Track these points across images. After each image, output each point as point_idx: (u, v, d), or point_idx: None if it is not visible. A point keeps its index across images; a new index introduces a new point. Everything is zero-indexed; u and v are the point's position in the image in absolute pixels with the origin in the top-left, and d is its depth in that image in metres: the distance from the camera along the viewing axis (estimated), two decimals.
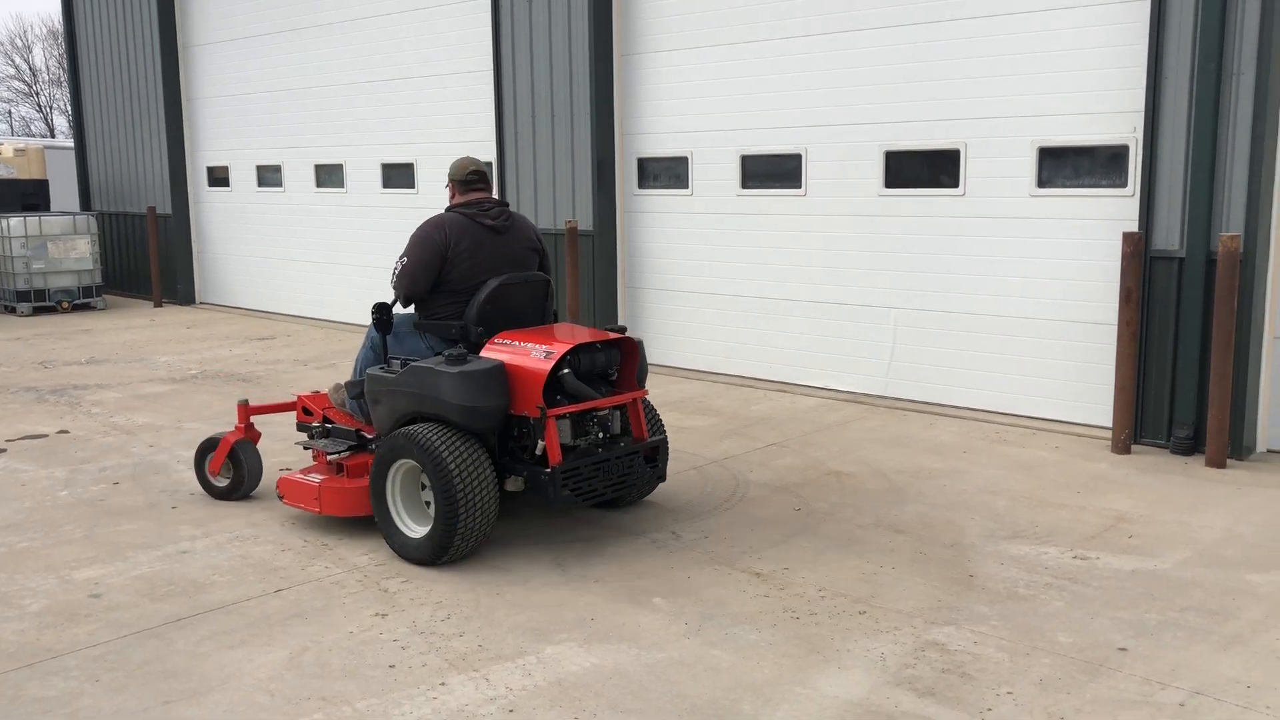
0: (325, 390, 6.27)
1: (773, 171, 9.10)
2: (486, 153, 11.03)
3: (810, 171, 8.81)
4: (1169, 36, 6.70)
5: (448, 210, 5.65)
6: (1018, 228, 7.73)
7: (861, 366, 8.72)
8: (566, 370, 5.18)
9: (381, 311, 5.47)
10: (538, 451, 5.11)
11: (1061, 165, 7.51)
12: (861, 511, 5.87)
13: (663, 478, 5.64)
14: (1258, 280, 6.59)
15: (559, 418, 5.12)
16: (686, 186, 9.70)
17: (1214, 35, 6.47)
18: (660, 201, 9.95)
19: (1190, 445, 6.82)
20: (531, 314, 5.66)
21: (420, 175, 12.04)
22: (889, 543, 5.39)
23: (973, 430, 7.60)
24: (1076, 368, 7.54)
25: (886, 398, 8.57)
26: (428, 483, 5.08)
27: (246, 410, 6.23)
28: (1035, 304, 7.71)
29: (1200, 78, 6.54)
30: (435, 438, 4.96)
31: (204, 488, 6.27)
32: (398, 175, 12.33)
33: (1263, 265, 6.61)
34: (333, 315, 13.41)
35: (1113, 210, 7.23)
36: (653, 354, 10.19)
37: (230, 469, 6.16)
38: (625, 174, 10.12)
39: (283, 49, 13.43)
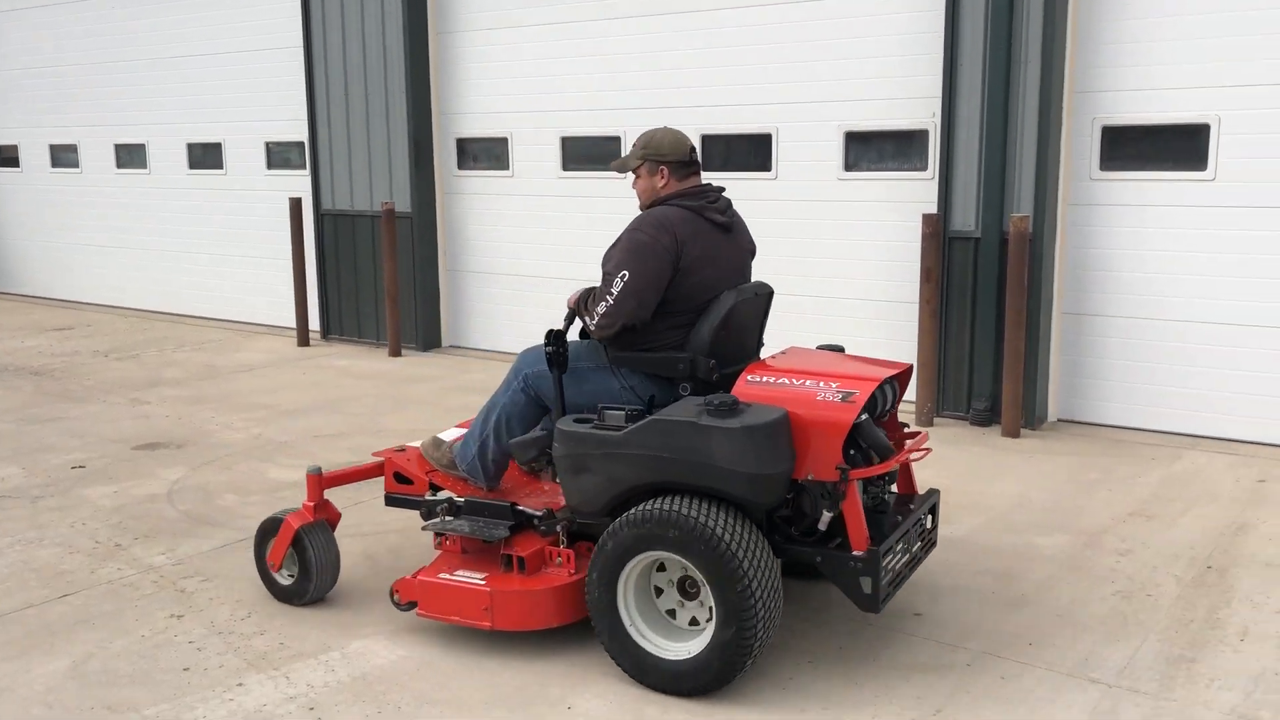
0: (415, 446, 4.64)
1: (594, 154, 9.08)
2: (298, 132, 10.67)
3: (626, 152, 8.83)
4: (963, 25, 6.98)
5: (659, 203, 4.19)
6: (827, 210, 7.95)
7: None
8: (865, 416, 3.84)
9: (558, 342, 4.10)
10: (820, 527, 3.74)
11: (867, 149, 7.76)
12: None
13: (934, 542, 4.35)
14: (1045, 259, 6.95)
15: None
16: (507, 168, 9.60)
17: (1003, 25, 6.78)
18: (481, 183, 9.81)
19: (988, 417, 7.16)
20: (753, 337, 4.39)
21: (229, 155, 11.53)
22: None
23: None
24: (884, 345, 7.81)
25: None
26: (663, 582, 3.81)
27: (319, 483, 4.49)
28: (845, 284, 7.95)
29: (991, 66, 6.84)
30: (714, 520, 3.56)
31: (266, 584, 4.58)
32: (206, 155, 11.78)
33: (1050, 244, 6.98)
34: (137, 303, 12.74)
35: (914, 193, 7.51)
36: (476, 339, 10.07)
37: (295, 562, 4.47)
38: (444, 155, 9.94)
39: (79, 20, 12.63)
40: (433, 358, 9.77)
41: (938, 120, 7.23)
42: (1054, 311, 7.13)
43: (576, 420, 3.93)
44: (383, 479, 4.60)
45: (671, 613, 3.83)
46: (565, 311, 4.34)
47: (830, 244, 7.97)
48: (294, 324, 10.58)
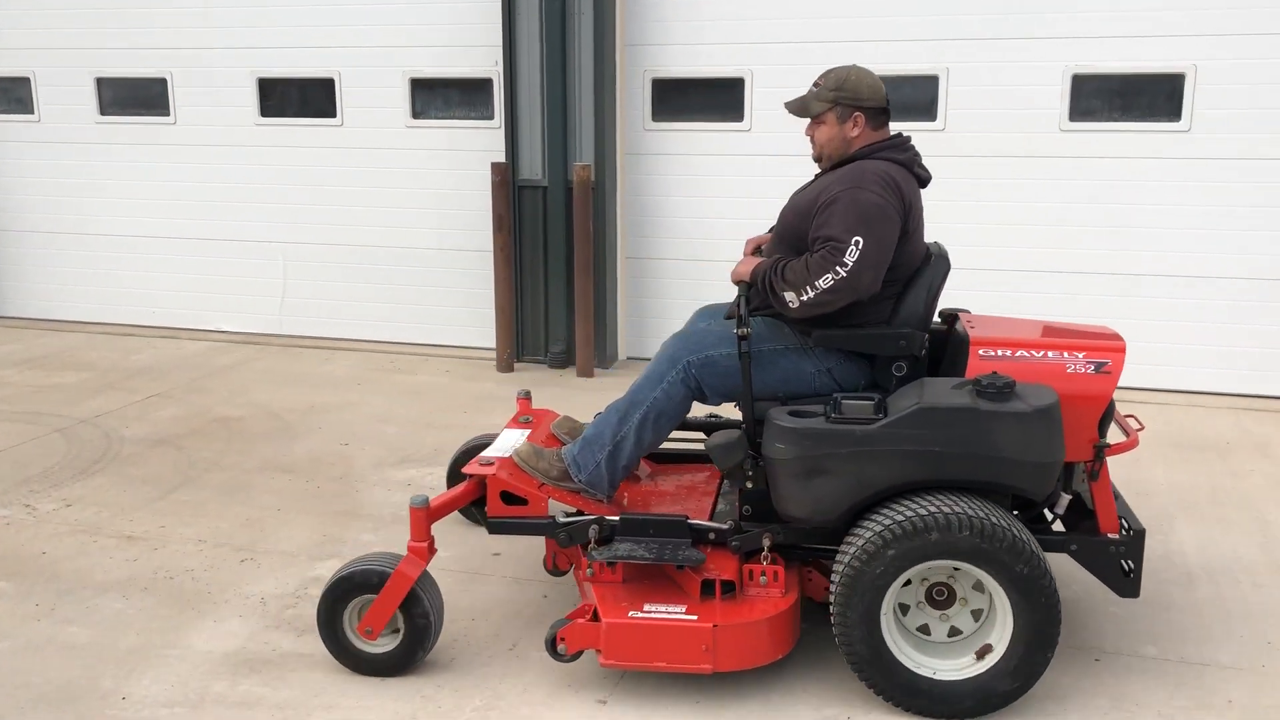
0: (502, 458, 3.79)
1: (137, 98, 8.31)
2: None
3: (177, 99, 8.17)
4: None
5: (860, 156, 3.60)
6: (397, 159, 7.81)
7: (254, 306, 8.36)
8: None
9: (747, 324, 3.48)
10: (1058, 511, 3.53)
11: (434, 97, 7.69)
12: (249, 456, 5.63)
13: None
14: (609, 207, 7.28)
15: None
16: (33, 112, 8.55)
17: None
18: (9, 129, 8.68)
19: (564, 359, 7.43)
20: (935, 306, 3.80)
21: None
22: (276, 484, 5.23)
23: (368, 362, 7.63)
24: (463, 294, 7.85)
25: (282, 336, 8.32)
26: (908, 596, 3.34)
27: (430, 517, 3.56)
28: (419, 234, 7.88)
29: (547, 17, 6.98)
30: (1006, 520, 3.15)
31: (339, 655, 3.52)
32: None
33: (612, 193, 7.31)
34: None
35: (484, 142, 7.56)
36: (18, 306, 8.95)
37: (403, 623, 3.47)
38: None
39: None
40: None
41: (500, 69, 7.30)
42: (619, 257, 7.49)
43: (792, 414, 3.37)
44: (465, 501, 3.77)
45: (923, 628, 3.36)
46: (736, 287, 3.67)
47: (401, 193, 7.85)
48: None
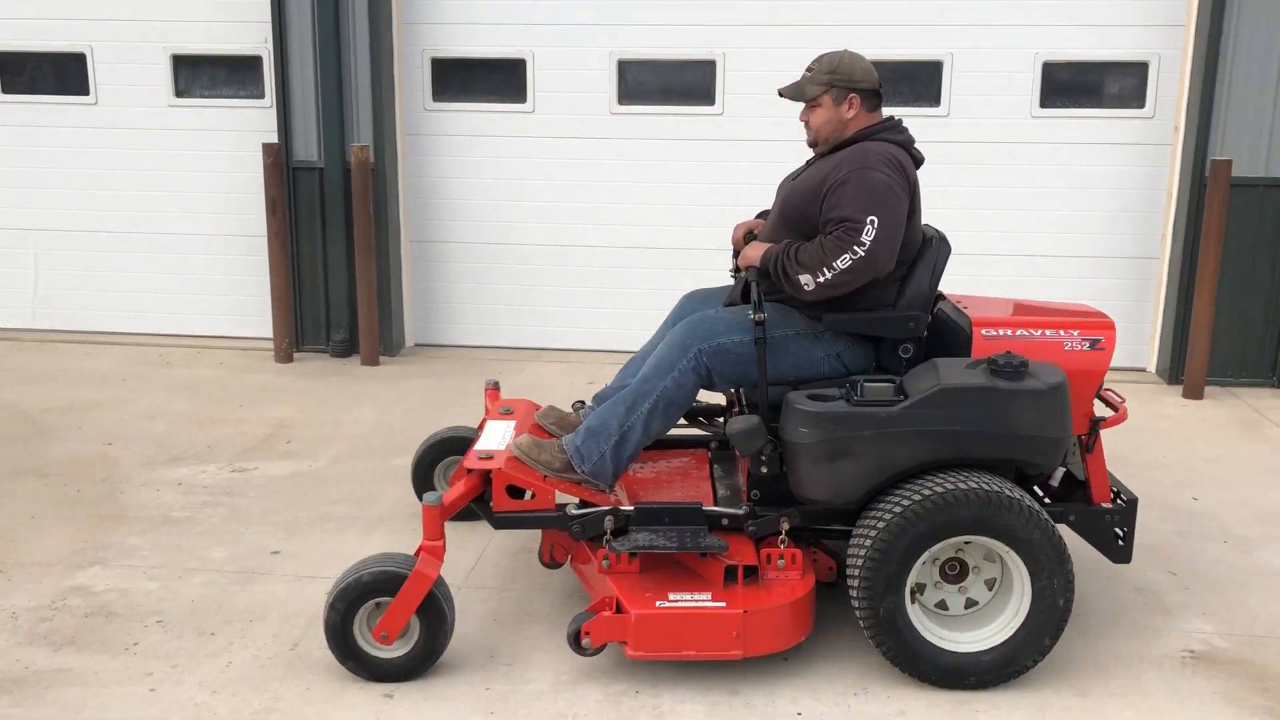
0: (498, 452, 3.66)
1: None
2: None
3: None
4: None
5: (859, 138, 3.63)
6: (160, 139, 7.36)
7: (2, 298, 7.73)
8: None
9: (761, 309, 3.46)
10: (1053, 483, 3.74)
11: (199, 75, 7.28)
12: None
13: None
14: (390, 188, 7.09)
15: None
16: None
17: None
18: None
19: (347, 347, 7.20)
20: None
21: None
22: (29, 490, 4.84)
23: (135, 356, 7.17)
24: (236, 282, 7.49)
25: (35, 330, 7.72)
26: (936, 574, 3.41)
27: (441, 514, 3.37)
28: (187, 219, 7.46)
29: None
30: (1021, 495, 3.26)
31: (350, 662, 3.33)
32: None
33: (393, 174, 7.13)
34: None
35: (255, 122, 7.22)
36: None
37: (420, 628, 3.31)
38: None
39: None
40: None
41: (270, 46, 6.98)
42: (402, 240, 7.31)
43: (812, 398, 3.39)
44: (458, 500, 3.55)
45: (940, 604, 3.42)
46: (737, 273, 3.69)
47: (165, 176, 7.40)
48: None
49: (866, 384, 3.39)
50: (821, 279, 3.45)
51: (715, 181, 7.11)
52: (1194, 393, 6.56)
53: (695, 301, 4.14)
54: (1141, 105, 6.85)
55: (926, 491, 3.25)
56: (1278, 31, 6.39)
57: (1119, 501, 3.64)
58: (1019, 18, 6.78)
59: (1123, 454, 5.35)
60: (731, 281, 4.08)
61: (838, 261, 3.42)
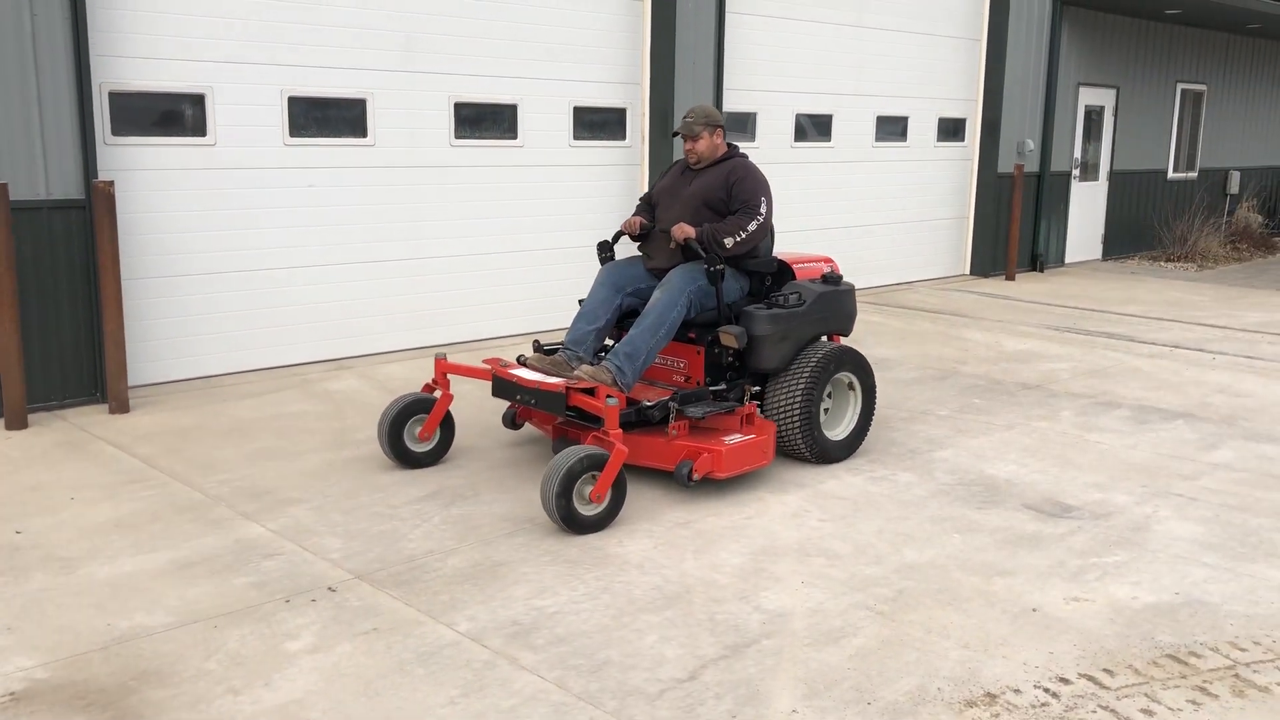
0: (579, 377, 5.28)
1: None
2: None
3: None
4: None
5: (730, 157, 5.91)
6: None
7: None
8: None
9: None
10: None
11: None
12: None
13: None
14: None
15: None
16: None
17: None
18: None
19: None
20: None
21: None
22: None
23: None
24: None
25: None
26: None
27: (616, 411, 5.03)
28: None
29: None
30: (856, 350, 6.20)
31: (568, 521, 4.80)
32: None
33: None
34: None
35: None
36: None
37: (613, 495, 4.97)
38: None
39: None
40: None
41: None
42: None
43: (758, 309, 5.64)
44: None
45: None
46: (659, 240, 5.76)
47: None
48: None
49: (786, 297, 5.75)
50: (740, 237, 5.62)
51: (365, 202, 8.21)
52: (17, 422, 6.27)
53: (622, 269, 5.85)
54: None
55: (829, 350, 5.82)
56: (26, 55, 6.31)
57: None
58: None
59: None
60: (637, 253, 6.04)
61: (749, 225, 5.64)
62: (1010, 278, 13.41)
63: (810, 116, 11.36)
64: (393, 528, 4.92)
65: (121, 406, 6.63)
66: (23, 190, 6.38)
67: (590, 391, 5.09)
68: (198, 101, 7.28)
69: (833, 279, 6.03)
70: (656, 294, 5.49)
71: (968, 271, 13.64)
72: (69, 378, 6.70)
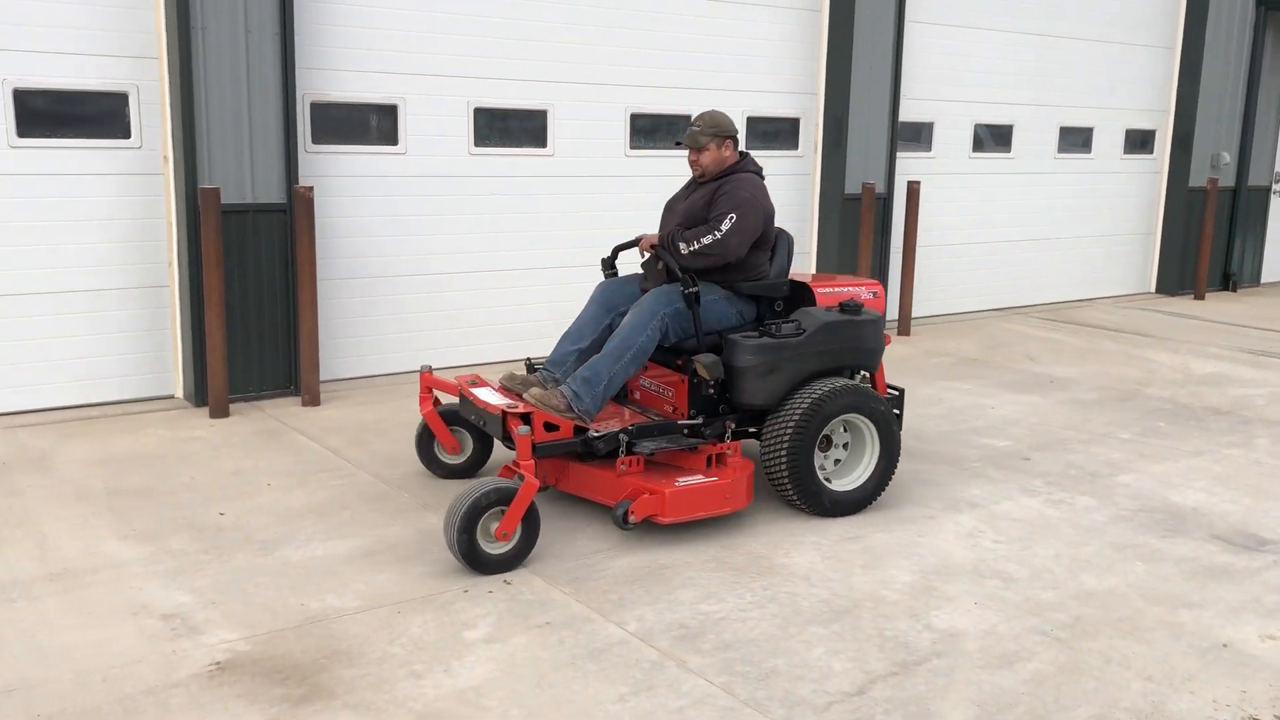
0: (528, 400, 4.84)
1: None
2: None
3: None
4: None
5: (739, 170, 5.34)
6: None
7: None
8: None
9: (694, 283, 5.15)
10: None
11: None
12: None
13: None
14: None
15: None
16: None
17: None
18: None
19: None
20: None
21: None
22: None
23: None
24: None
25: None
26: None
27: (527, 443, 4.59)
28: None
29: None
30: (867, 388, 5.30)
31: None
32: None
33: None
34: None
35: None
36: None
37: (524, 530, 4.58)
38: None
39: None
40: None
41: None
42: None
43: (745, 338, 4.99)
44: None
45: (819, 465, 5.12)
46: (645, 258, 5.25)
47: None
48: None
49: (780, 325, 5.00)
50: (694, 247, 5.02)
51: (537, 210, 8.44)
52: (220, 411, 6.65)
53: (613, 286, 5.42)
54: (128, 136, 6.75)
55: (827, 388, 5.00)
56: (240, 70, 6.71)
57: (892, 392, 5.67)
58: None
59: (147, 484, 5.47)
60: (640, 270, 5.44)
61: (704, 238, 5.03)
62: (1200, 297, 12.73)
63: (989, 126, 11.07)
64: (565, 524, 5.06)
65: (313, 399, 7.02)
66: (231, 194, 6.83)
67: (526, 417, 4.69)
68: (390, 112, 7.65)
69: (851, 307, 5.23)
70: (627, 316, 5.06)
71: (1153, 289, 13.02)
72: (266, 371, 7.13)
